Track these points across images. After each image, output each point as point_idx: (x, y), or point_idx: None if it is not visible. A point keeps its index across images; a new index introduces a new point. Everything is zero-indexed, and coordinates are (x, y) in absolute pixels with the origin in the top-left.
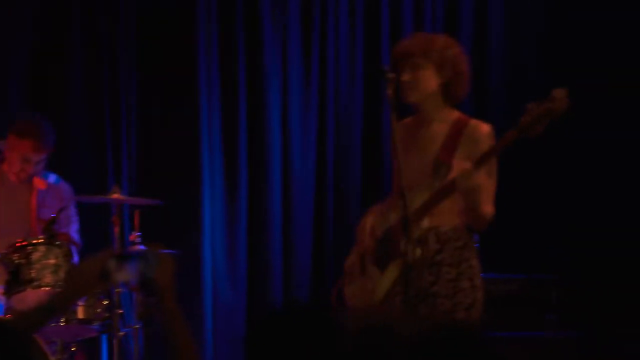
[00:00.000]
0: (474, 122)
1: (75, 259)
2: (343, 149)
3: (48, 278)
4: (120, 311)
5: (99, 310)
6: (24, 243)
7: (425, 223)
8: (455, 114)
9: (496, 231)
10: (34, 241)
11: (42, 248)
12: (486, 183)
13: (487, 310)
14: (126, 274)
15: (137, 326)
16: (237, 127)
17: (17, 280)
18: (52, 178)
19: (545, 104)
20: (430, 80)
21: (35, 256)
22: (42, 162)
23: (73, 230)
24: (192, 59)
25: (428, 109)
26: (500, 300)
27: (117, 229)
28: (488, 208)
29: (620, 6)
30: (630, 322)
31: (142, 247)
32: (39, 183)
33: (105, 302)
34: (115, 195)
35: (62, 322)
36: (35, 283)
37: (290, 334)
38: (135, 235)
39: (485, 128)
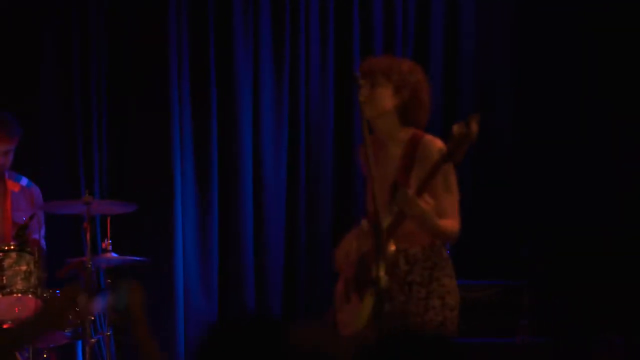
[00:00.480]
0: (426, 139)
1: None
2: (314, 155)
3: (19, 284)
4: (92, 318)
5: (70, 317)
6: None
7: (392, 247)
8: (411, 132)
9: (468, 238)
10: (6, 247)
11: (13, 255)
12: (444, 198)
13: (460, 316)
14: (97, 308)
15: (108, 333)
16: (209, 134)
17: None
18: (24, 181)
19: (462, 131)
20: (385, 99)
21: (6, 263)
22: (10, 152)
23: (41, 235)
24: (164, 66)
25: (381, 128)
26: (473, 306)
27: (88, 236)
28: (448, 223)
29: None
30: (601, 327)
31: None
32: (12, 185)
33: (77, 310)
34: (87, 200)
35: None
36: (7, 289)
37: (237, 347)
38: (107, 243)
39: (436, 145)
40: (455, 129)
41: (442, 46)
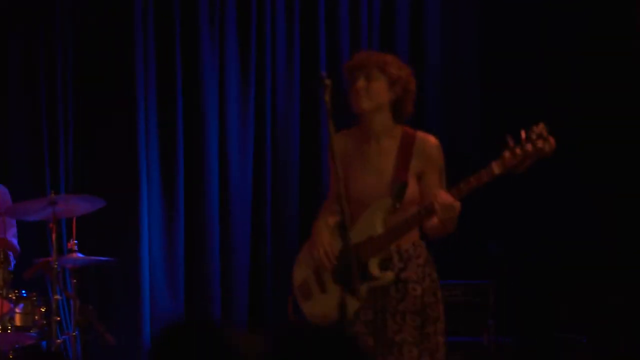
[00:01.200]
0: (421, 135)
1: (13, 264)
2: (281, 152)
3: None
4: (58, 318)
5: (36, 317)
6: None
7: (393, 245)
8: (402, 128)
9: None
10: None
11: None
12: None
13: None
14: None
15: (74, 333)
16: (175, 136)
17: None
18: None
19: (535, 144)
20: (382, 93)
21: None
22: None
23: (10, 234)
24: (130, 64)
25: (377, 122)
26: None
27: (54, 236)
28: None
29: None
30: (567, 326)
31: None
32: None
33: (43, 310)
34: (53, 200)
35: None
36: None
37: (185, 350)
38: (72, 243)
39: (433, 141)
40: (525, 141)
41: (406, 47)
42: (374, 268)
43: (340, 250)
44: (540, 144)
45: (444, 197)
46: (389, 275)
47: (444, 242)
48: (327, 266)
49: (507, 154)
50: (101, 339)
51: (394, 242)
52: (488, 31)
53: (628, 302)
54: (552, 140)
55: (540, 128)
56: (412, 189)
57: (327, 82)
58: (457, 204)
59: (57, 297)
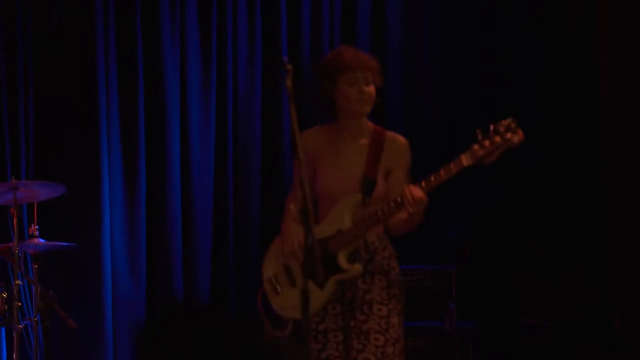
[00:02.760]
0: (390, 134)
1: None
2: (242, 140)
3: None
4: (19, 304)
5: None
6: None
7: (361, 238)
8: (371, 125)
9: None
10: None
11: None
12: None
13: None
14: None
15: (36, 319)
16: (136, 122)
17: None
18: None
19: (504, 136)
20: (375, 98)
21: None
22: None
23: None
24: (91, 50)
25: (360, 123)
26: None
27: (15, 222)
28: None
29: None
30: (529, 311)
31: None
32: None
33: (4, 295)
34: (14, 185)
35: None
36: None
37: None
38: (34, 228)
39: (403, 141)
40: (493, 133)
41: (368, 38)
42: (342, 261)
43: (307, 244)
44: (509, 136)
45: (415, 191)
46: (357, 267)
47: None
48: (299, 260)
49: (475, 146)
50: (63, 324)
51: (362, 236)
52: (448, 22)
53: (587, 287)
54: (520, 132)
55: (509, 121)
56: (381, 185)
57: (289, 67)
58: (425, 197)
59: (19, 282)
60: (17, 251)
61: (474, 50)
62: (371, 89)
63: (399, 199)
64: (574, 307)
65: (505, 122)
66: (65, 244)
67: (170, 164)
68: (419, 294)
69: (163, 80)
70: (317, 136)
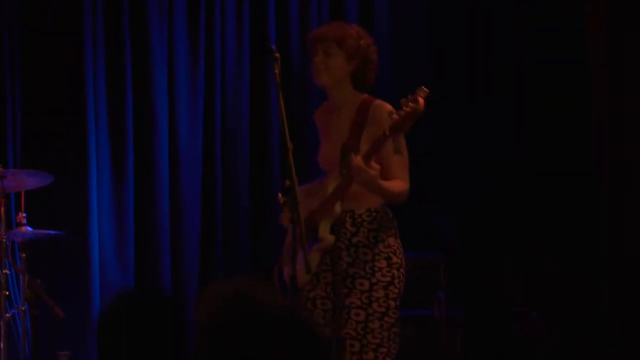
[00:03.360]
0: (377, 102)
1: None
2: (231, 129)
3: None
4: (7, 292)
5: None
6: None
7: (338, 208)
8: (362, 97)
9: None
10: None
11: None
12: (395, 160)
13: None
14: None
15: (23, 308)
16: (124, 109)
17: None
18: None
19: (410, 105)
20: (340, 68)
21: None
22: None
23: None
24: (78, 36)
25: (337, 94)
26: None
27: (2, 209)
28: (397, 184)
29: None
30: (517, 299)
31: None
32: None
33: None
34: (1, 173)
35: None
36: None
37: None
38: (21, 216)
39: (386, 108)
40: (404, 104)
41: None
42: (321, 231)
43: (305, 216)
44: (412, 105)
45: (355, 160)
46: (330, 237)
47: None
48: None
49: (394, 116)
50: (50, 313)
51: (335, 204)
52: (438, 11)
53: (576, 274)
54: (420, 101)
55: (418, 91)
56: (368, 149)
57: (277, 55)
58: (364, 167)
59: (6, 271)
60: (4, 240)
61: (464, 34)
62: (329, 59)
63: (344, 170)
64: (562, 294)
65: (416, 91)
66: (52, 232)
67: (158, 153)
68: (407, 282)
69: (151, 70)
70: (319, 112)
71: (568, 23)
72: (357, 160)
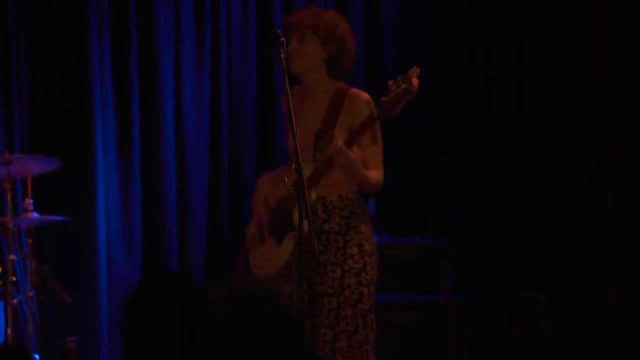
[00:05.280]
0: (353, 91)
1: None
2: (237, 112)
3: None
4: (14, 279)
5: None
6: None
7: (313, 195)
8: (337, 85)
9: (391, 196)
10: None
11: None
12: (371, 150)
13: (383, 274)
14: None
15: (30, 293)
16: (130, 91)
17: None
18: None
19: (402, 86)
20: (314, 55)
21: None
22: None
23: None
24: (84, 23)
25: (311, 81)
26: (397, 264)
27: (9, 196)
28: (374, 174)
29: None
30: (522, 285)
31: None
32: None
33: None
34: (8, 159)
35: None
36: None
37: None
38: (28, 202)
39: (363, 97)
40: (394, 84)
41: (362, 18)
42: (295, 218)
43: (275, 203)
44: (405, 86)
45: (339, 145)
46: (305, 224)
47: (399, 201)
48: (262, 217)
49: (384, 98)
50: (57, 299)
51: (311, 190)
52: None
53: (584, 259)
54: (415, 82)
55: (411, 72)
56: (352, 134)
57: (282, 39)
58: (347, 152)
59: (13, 257)
60: (11, 226)
61: (469, 28)
62: (303, 47)
63: (317, 155)
64: (570, 279)
65: (408, 73)
66: (59, 217)
67: (164, 136)
68: (413, 268)
69: (157, 51)
70: (291, 95)
71: (573, 18)
72: (341, 144)
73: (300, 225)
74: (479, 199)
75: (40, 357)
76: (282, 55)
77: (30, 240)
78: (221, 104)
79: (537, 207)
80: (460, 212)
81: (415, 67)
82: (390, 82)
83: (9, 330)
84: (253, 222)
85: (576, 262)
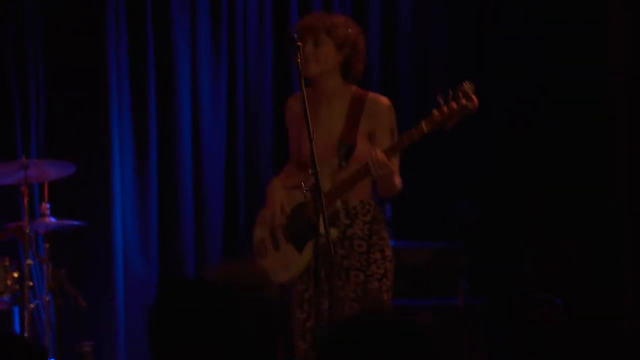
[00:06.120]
0: (372, 96)
1: None
2: (253, 113)
3: None
4: (31, 283)
5: (9, 282)
6: None
7: (338, 203)
8: (353, 89)
9: (406, 200)
10: None
11: None
12: (395, 158)
13: (400, 278)
14: None
15: (47, 298)
16: (146, 94)
17: None
18: None
19: (461, 101)
20: (330, 57)
21: None
22: None
23: None
24: (101, 26)
25: (327, 84)
26: (414, 268)
27: (26, 200)
28: (397, 181)
29: None
30: (539, 286)
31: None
32: None
33: (16, 275)
34: (25, 163)
35: None
36: None
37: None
38: (44, 207)
39: (384, 101)
40: (444, 99)
41: (379, 22)
42: (321, 225)
43: (292, 209)
44: (464, 102)
45: (377, 155)
46: (333, 232)
47: (414, 204)
48: (277, 223)
49: (435, 112)
50: (74, 304)
51: (339, 199)
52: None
53: (600, 262)
54: (474, 98)
55: (466, 87)
56: (362, 149)
57: (299, 43)
58: (387, 162)
59: (30, 261)
60: (28, 230)
61: (486, 30)
62: (318, 49)
63: (365, 164)
64: (586, 283)
65: (463, 88)
66: (76, 222)
67: (181, 138)
68: (430, 271)
69: (173, 54)
70: (297, 103)
71: (590, 19)
72: (380, 154)
73: (327, 232)
74: (495, 201)
75: None
76: (299, 59)
77: (47, 245)
78: (237, 105)
79: (553, 208)
80: (476, 213)
81: (468, 81)
82: (439, 96)
83: (25, 335)
84: (260, 226)
85: (592, 265)
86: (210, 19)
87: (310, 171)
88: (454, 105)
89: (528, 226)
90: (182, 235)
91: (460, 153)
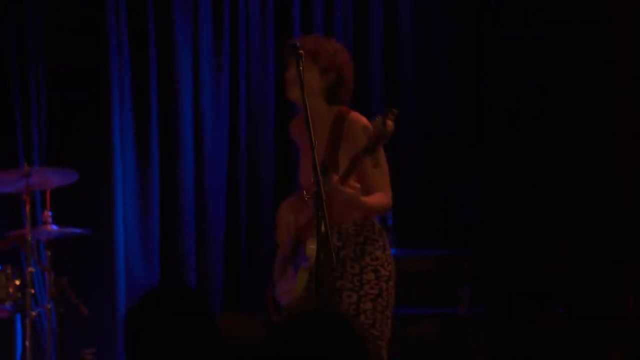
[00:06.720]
0: (351, 116)
1: None
2: (255, 119)
3: None
4: (33, 291)
5: (11, 290)
6: None
7: (322, 227)
8: (336, 110)
9: (409, 208)
10: None
11: None
12: (375, 174)
13: (401, 286)
14: None
15: (49, 305)
16: (149, 106)
17: None
18: None
19: (379, 128)
20: (312, 82)
21: None
22: None
23: None
24: (102, 32)
25: (314, 109)
26: (416, 276)
27: (28, 208)
28: (377, 198)
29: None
30: (541, 293)
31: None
32: None
33: (17, 282)
34: (26, 171)
35: None
36: None
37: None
38: (46, 215)
39: (359, 123)
40: (373, 125)
41: (381, 31)
42: (309, 249)
43: (296, 229)
44: (381, 128)
45: (332, 182)
46: (320, 256)
47: (418, 212)
48: (283, 244)
49: (362, 138)
50: (75, 311)
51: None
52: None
53: (602, 270)
54: (389, 124)
55: (389, 113)
56: (345, 168)
57: (300, 52)
58: (341, 188)
59: (32, 269)
60: (30, 238)
61: (487, 32)
62: (290, 73)
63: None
64: (589, 291)
65: (386, 114)
66: (78, 230)
67: (183, 147)
68: (432, 279)
69: (174, 61)
70: (295, 125)
71: (593, 22)
72: (334, 181)
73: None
74: (496, 202)
75: None
76: (301, 67)
77: (49, 253)
78: (239, 107)
79: (553, 209)
80: (480, 223)
81: (393, 109)
82: (371, 121)
83: (27, 343)
84: (279, 251)
85: (594, 273)
86: (212, 19)
87: (304, 192)
88: (374, 131)
89: (529, 227)
90: (183, 237)
91: (460, 153)
